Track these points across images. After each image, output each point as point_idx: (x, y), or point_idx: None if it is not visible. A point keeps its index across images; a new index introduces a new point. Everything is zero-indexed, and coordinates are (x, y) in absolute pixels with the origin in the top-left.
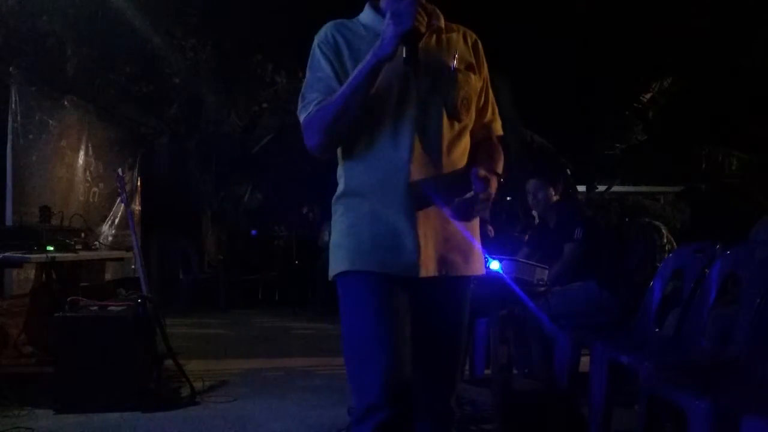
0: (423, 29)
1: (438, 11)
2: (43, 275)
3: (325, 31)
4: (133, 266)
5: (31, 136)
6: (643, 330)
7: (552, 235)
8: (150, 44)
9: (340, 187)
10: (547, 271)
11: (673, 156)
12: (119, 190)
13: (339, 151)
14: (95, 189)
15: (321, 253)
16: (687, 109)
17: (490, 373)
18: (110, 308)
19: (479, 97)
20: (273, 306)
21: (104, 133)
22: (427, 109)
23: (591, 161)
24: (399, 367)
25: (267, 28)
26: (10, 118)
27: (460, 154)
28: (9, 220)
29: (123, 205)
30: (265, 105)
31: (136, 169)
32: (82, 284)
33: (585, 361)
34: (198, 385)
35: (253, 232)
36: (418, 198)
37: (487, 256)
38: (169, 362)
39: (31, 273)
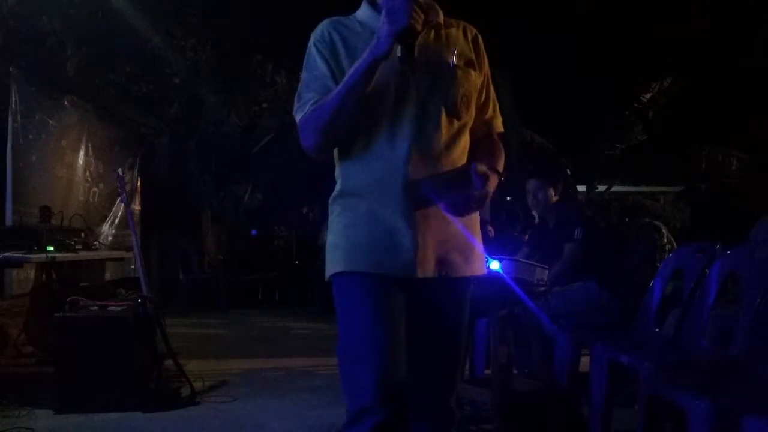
0: (419, 27)
1: (437, 6)
2: (43, 275)
3: (321, 29)
4: (133, 266)
5: (31, 136)
6: (643, 330)
7: (552, 235)
8: (150, 44)
9: (338, 187)
10: (547, 271)
11: (673, 156)
12: (119, 190)
13: (336, 150)
14: (95, 189)
15: (321, 253)
16: (687, 109)
17: (490, 373)
18: (110, 308)
19: (480, 93)
20: (273, 306)
21: (104, 133)
22: (426, 107)
23: (591, 161)
24: (393, 368)
25: (267, 28)
26: (10, 118)
27: (460, 153)
28: (9, 220)
29: (123, 205)
30: (265, 105)
31: (136, 169)
32: (82, 284)
33: (585, 361)
34: (198, 385)
35: (253, 232)
36: (416, 198)
37: (487, 256)
38: (169, 362)
39: (31, 273)
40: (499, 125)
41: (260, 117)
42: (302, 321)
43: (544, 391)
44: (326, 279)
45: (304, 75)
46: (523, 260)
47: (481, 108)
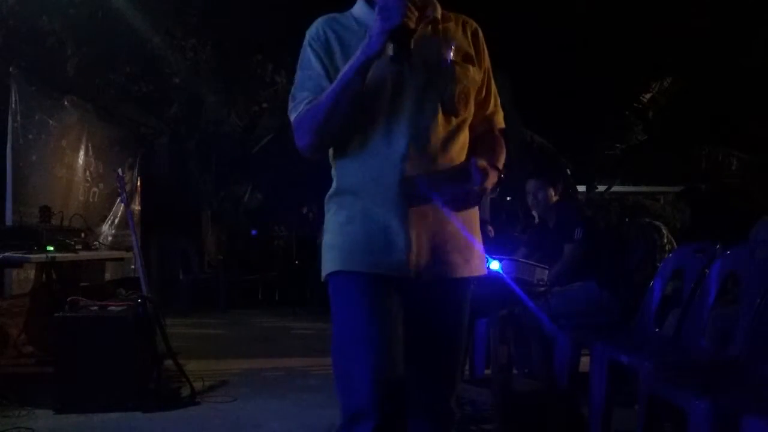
0: (412, 25)
1: (435, 1)
2: (43, 275)
3: (316, 27)
4: (133, 266)
5: (31, 136)
6: (643, 330)
7: (552, 236)
8: (150, 44)
9: (333, 185)
10: (547, 271)
11: (673, 156)
12: (119, 190)
13: (331, 149)
14: (95, 189)
15: (320, 252)
16: (687, 109)
17: (490, 373)
18: (110, 308)
19: (480, 89)
20: (273, 306)
21: (104, 133)
22: (423, 104)
23: (591, 161)
24: (390, 368)
25: (267, 28)
26: (10, 118)
27: (459, 150)
28: (9, 220)
29: (123, 205)
30: (265, 105)
31: (136, 169)
32: (82, 284)
33: (585, 361)
34: (198, 385)
35: (253, 232)
36: (412, 196)
37: (487, 256)
38: (169, 362)
39: (31, 273)
40: (500, 121)
41: (260, 117)
42: (302, 321)
43: (544, 391)
44: (322, 279)
45: (298, 74)
46: (523, 260)
47: (482, 103)
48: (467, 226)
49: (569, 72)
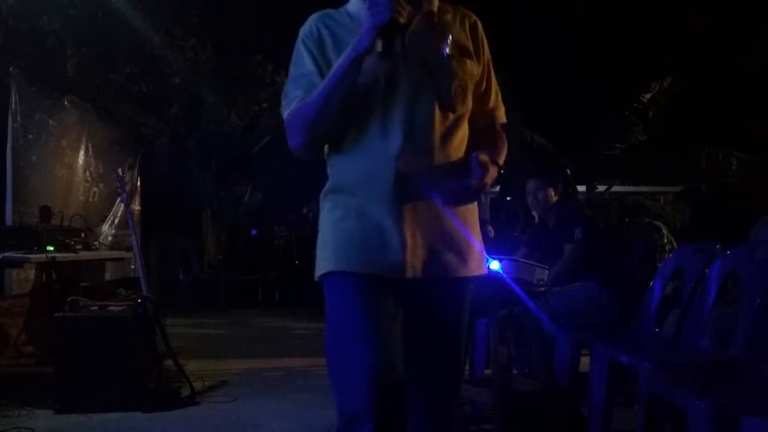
0: (402, 20)
1: None
2: (43, 275)
3: (309, 23)
4: (133, 266)
5: (31, 136)
6: (643, 330)
7: (551, 236)
8: (150, 44)
9: (328, 182)
10: (547, 271)
11: (673, 156)
12: (119, 190)
13: (327, 146)
14: (95, 189)
15: None
16: (687, 109)
17: (490, 373)
18: (110, 308)
19: (480, 82)
20: (273, 306)
21: (104, 133)
22: (418, 100)
23: (591, 161)
24: (387, 368)
25: (267, 28)
26: (10, 118)
27: (457, 145)
28: (9, 220)
29: (123, 205)
30: (265, 105)
31: (136, 169)
32: (82, 284)
33: (585, 361)
34: (198, 385)
35: (253, 232)
36: (407, 194)
37: (487, 256)
38: (169, 362)
39: (31, 273)
40: (502, 115)
41: (260, 117)
42: (302, 321)
43: (544, 391)
44: (316, 279)
45: (290, 71)
46: (523, 260)
47: (482, 97)
48: (466, 224)
49: (569, 72)
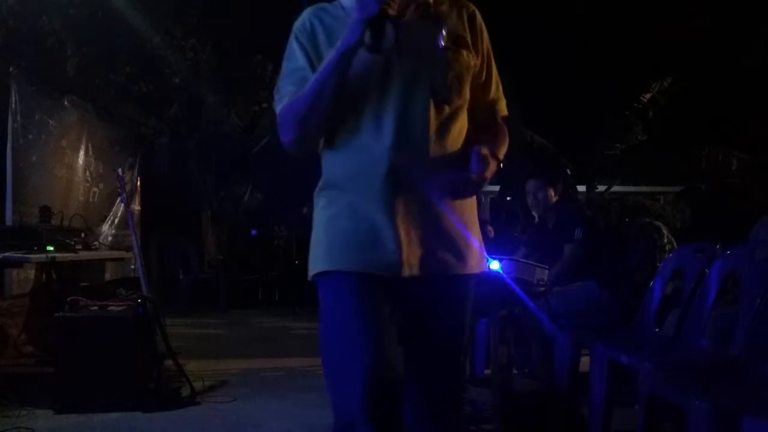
0: (392, 12)
1: None
2: (43, 275)
3: (303, 18)
4: (133, 266)
5: (31, 136)
6: (643, 330)
7: (551, 236)
8: (150, 44)
9: (321, 179)
10: (547, 271)
11: (673, 156)
12: (119, 190)
13: (321, 140)
14: (95, 189)
15: None
16: (687, 109)
17: (490, 373)
18: (110, 308)
19: (480, 73)
20: (273, 306)
21: (104, 133)
22: (411, 92)
23: (591, 161)
24: (383, 368)
25: (267, 28)
26: (10, 118)
27: (454, 138)
28: (9, 220)
29: (123, 205)
30: (265, 105)
31: (136, 169)
32: (82, 284)
33: (585, 361)
34: (198, 385)
35: (253, 232)
36: (402, 189)
37: (487, 256)
38: (169, 362)
39: (31, 273)
40: (503, 108)
41: (260, 117)
42: (302, 321)
43: (544, 391)
44: (309, 278)
45: (283, 66)
46: (523, 260)
47: (482, 89)
48: (464, 221)
49: (569, 72)
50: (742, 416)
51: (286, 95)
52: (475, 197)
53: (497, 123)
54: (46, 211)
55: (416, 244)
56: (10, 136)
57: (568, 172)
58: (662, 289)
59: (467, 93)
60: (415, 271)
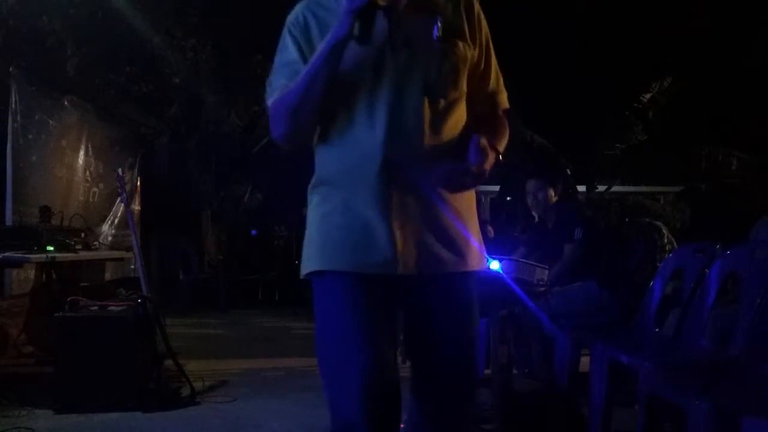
0: (382, 2)
1: None
2: (43, 275)
3: (296, 11)
4: (133, 266)
5: (31, 136)
6: (643, 330)
7: (551, 236)
8: (150, 44)
9: (314, 175)
10: (547, 271)
11: (673, 156)
12: (119, 190)
13: (315, 136)
14: (95, 189)
15: None
16: (687, 109)
17: (490, 373)
18: (110, 308)
19: (478, 64)
20: (273, 306)
21: (104, 133)
22: (405, 85)
23: (591, 161)
24: (380, 369)
25: (267, 28)
26: (10, 118)
27: (450, 131)
28: (9, 220)
29: (123, 205)
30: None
31: (136, 169)
32: (82, 284)
33: (585, 361)
34: (198, 385)
35: (253, 232)
36: (395, 184)
37: (487, 256)
38: (169, 362)
39: (31, 273)
40: (504, 100)
41: (260, 117)
42: (302, 321)
43: (544, 391)
44: (302, 277)
45: (276, 59)
46: (523, 260)
47: (481, 79)
48: (462, 217)
49: (569, 72)
50: (742, 416)
51: (277, 89)
52: (474, 195)
53: (497, 115)
54: (46, 211)
55: (412, 242)
56: (10, 136)
57: (568, 172)
58: (662, 289)
59: (464, 85)
60: (412, 269)
